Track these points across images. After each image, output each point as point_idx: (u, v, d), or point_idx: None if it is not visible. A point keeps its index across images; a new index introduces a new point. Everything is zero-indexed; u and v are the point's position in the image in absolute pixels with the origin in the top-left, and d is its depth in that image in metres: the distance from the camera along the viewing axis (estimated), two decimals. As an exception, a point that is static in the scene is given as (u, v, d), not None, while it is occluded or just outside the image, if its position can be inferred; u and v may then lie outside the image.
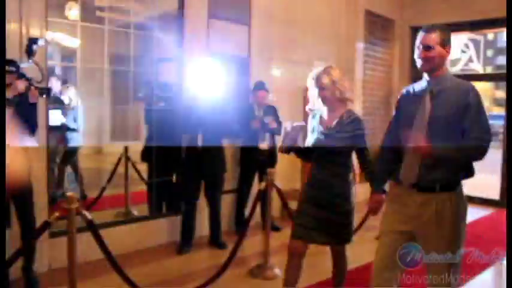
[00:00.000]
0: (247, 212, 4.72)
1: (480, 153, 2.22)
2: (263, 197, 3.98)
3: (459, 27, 7.20)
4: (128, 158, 5.14)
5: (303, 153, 3.05)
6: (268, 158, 5.04)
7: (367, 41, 7.17)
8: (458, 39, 8.73)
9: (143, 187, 5.05)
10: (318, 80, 2.85)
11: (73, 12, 4.36)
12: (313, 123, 2.97)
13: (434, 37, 2.29)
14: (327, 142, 2.83)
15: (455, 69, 8.61)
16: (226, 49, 5.13)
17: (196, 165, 4.45)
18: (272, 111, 5.08)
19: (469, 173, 2.36)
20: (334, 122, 2.85)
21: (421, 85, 2.42)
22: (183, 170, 4.63)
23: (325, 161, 2.88)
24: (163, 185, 4.82)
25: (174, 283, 3.73)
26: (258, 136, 4.98)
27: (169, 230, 4.71)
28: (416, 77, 7.61)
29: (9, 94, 3.23)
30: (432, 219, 2.29)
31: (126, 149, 5.19)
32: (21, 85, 3.25)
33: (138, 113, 5.58)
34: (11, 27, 3.53)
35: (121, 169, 5.17)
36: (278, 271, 3.88)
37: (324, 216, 2.87)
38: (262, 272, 3.91)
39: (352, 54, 6.88)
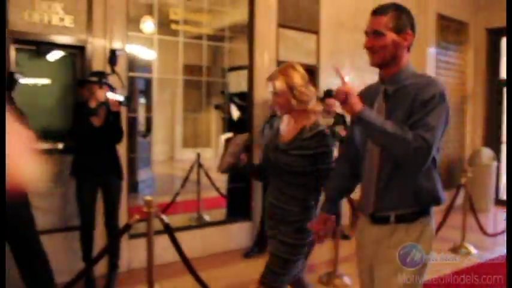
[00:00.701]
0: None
1: (415, 153, 1.60)
2: (333, 205, 3.96)
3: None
4: (200, 165, 5.31)
5: (253, 171, 2.59)
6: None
7: (439, 46, 6.93)
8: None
9: (214, 193, 5.18)
10: (271, 82, 2.30)
11: (147, 25, 4.60)
12: (269, 135, 2.48)
13: (386, 20, 1.75)
14: (280, 159, 2.29)
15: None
16: (295, 57, 5.17)
17: None
18: (341, 119, 5.05)
19: (435, 199, 1.79)
20: (292, 136, 2.30)
21: (377, 84, 1.89)
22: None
23: (281, 181, 2.32)
24: (239, 192, 4.94)
25: (244, 287, 3.81)
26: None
27: (240, 236, 4.81)
28: (492, 80, 7.26)
29: (92, 103, 3.48)
30: (387, 258, 1.77)
31: (198, 155, 5.37)
32: (100, 94, 3.48)
33: (209, 120, 5.77)
34: (97, 41, 3.81)
35: (192, 175, 5.34)
36: (347, 279, 3.85)
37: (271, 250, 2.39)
38: (331, 280, 3.90)
39: (422, 59, 6.67)
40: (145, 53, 4.81)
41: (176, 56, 4.81)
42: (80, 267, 3.34)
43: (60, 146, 3.73)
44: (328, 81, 5.36)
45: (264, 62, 4.87)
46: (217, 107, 5.29)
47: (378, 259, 1.81)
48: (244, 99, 4.97)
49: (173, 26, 4.60)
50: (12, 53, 3.45)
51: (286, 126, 2.37)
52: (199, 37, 4.84)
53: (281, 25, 5.03)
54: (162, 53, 4.70)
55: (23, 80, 3.35)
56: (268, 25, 4.93)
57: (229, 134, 2.32)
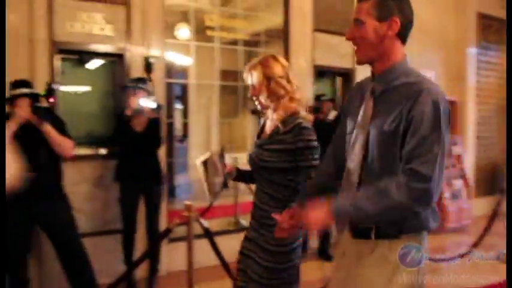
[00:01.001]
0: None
1: (415, 204, 1.37)
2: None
3: None
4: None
5: (242, 176, 2.38)
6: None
7: (480, 46, 6.73)
8: None
9: (251, 198, 5.18)
10: (248, 73, 2.14)
11: (181, 32, 4.67)
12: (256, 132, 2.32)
13: (368, 7, 1.47)
14: (257, 155, 2.11)
15: None
16: (331, 61, 5.14)
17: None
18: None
19: (423, 228, 1.52)
20: (271, 131, 2.12)
21: (369, 80, 1.63)
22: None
23: (260, 179, 2.15)
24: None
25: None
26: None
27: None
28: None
29: (128, 110, 3.56)
30: (367, 278, 1.53)
31: (235, 160, 5.39)
32: (134, 101, 3.55)
33: (245, 125, 5.79)
34: (135, 49, 3.91)
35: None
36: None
37: (248, 261, 2.15)
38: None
39: (462, 60, 6.50)
40: (182, 60, 4.89)
41: (212, 62, 4.87)
42: (120, 269, 3.41)
43: (102, 151, 3.83)
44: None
45: (300, 66, 4.85)
46: (253, 111, 5.29)
47: (355, 279, 1.56)
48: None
49: (209, 32, 4.67)
50: (56, 62, 3.57)
51: (270, 121, 2.18)
52: (234, 42, 4.88)
53: (316, 29, 5.00)
54: (198, 59, 4.77)
55: (61, 88, 3.45)
56: (304, 29, 4.92)
57: (206, 155, 2.15)
